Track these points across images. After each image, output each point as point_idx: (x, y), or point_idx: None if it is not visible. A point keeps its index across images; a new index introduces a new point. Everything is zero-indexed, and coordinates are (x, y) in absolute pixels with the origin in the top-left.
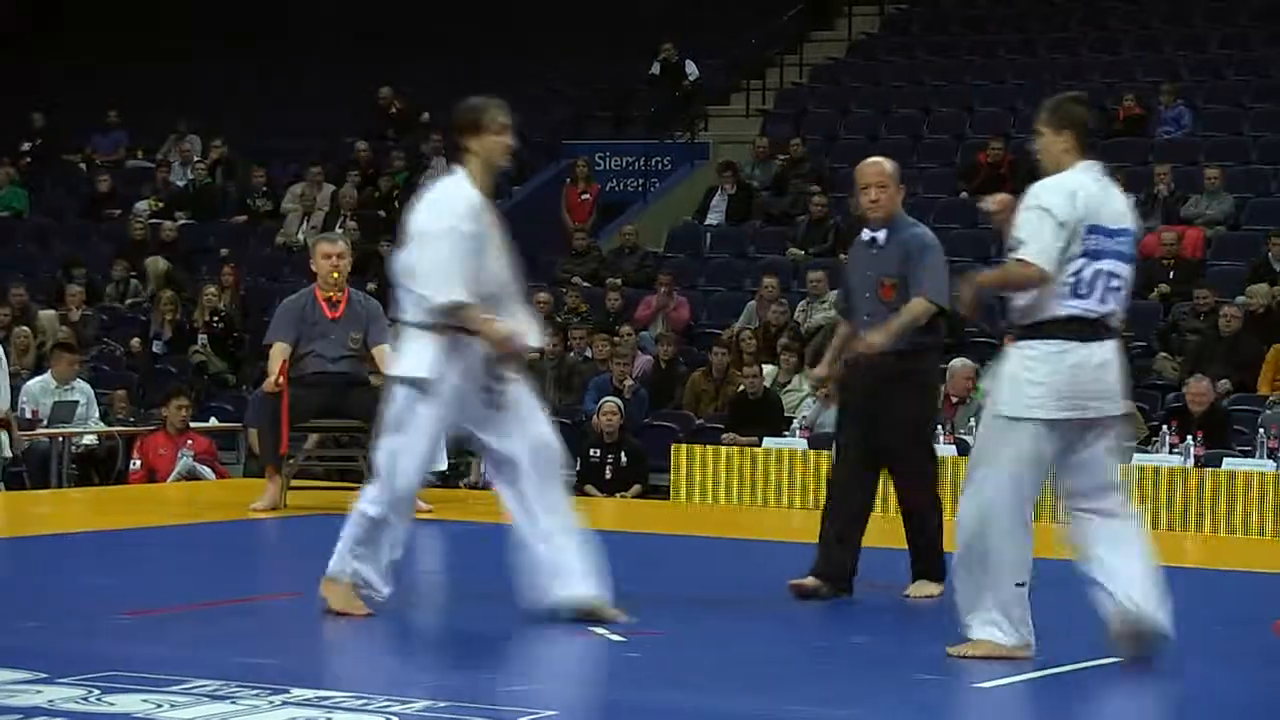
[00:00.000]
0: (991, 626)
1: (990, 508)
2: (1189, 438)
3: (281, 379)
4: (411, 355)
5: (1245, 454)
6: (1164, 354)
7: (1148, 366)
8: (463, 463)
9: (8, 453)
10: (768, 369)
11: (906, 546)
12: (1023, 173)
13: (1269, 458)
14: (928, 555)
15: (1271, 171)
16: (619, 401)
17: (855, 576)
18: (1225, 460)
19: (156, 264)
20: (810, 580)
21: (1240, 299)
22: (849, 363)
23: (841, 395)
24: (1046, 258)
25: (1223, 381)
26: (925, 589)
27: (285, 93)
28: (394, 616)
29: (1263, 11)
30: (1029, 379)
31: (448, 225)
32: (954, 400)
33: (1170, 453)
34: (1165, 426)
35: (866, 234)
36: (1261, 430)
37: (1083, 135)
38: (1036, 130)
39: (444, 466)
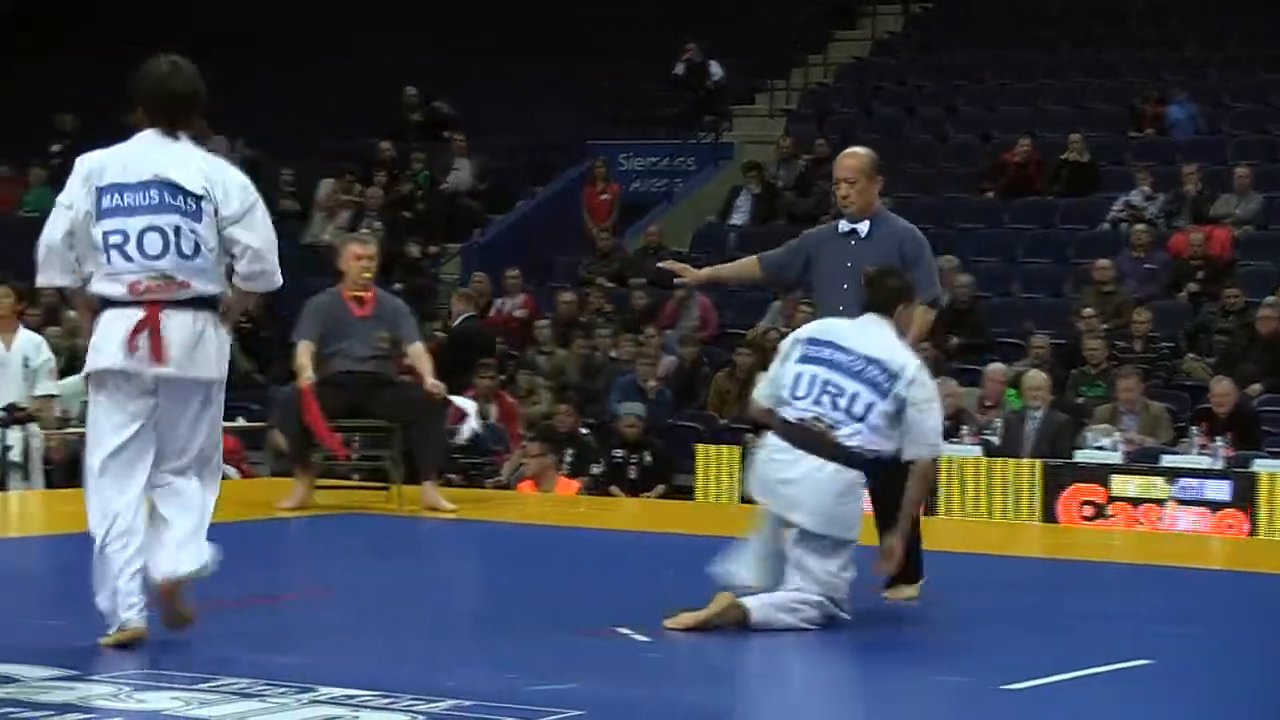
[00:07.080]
0: None
1: None
2: (1218, 439)
3: (310, 376)
4: None
5: (1275, 455)
6: (1192, 355)
7: (1176, 367)
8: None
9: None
10: None
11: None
12: (1049, 172)
13: None
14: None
15: None
16: (640, 415)
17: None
18: (1255, 461)
19: None
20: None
21: (1270, 299)
22: None
23: None
24: None
25: (1255, 385)
26: (903, 591)
27: (304, 91)
28: (422, 617)
29: None
30: None
31: None
32: (987, 404)
33: (1199, 453)
34: (1194, 427)
35: (844, 225)
36: None
37: None
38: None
39: None
